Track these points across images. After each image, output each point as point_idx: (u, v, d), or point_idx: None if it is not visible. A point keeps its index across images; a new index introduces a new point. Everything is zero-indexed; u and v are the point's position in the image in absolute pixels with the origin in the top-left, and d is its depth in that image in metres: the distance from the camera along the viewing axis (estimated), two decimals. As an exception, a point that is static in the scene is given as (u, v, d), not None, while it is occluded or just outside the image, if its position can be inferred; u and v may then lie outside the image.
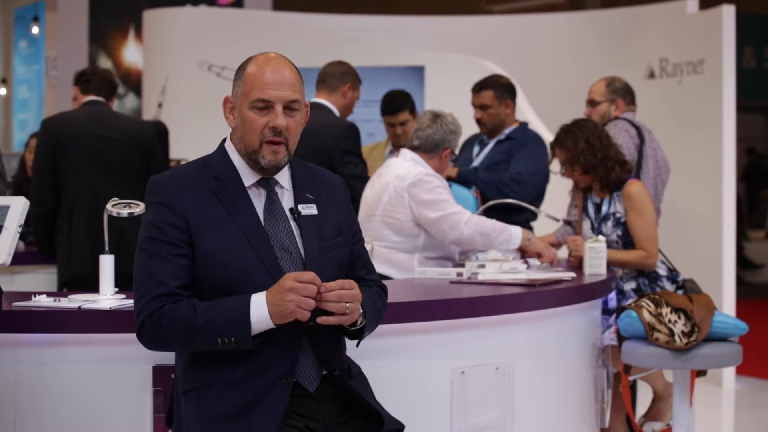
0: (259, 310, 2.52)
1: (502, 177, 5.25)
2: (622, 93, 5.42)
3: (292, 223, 2.71)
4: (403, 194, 4.42)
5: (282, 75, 2.67)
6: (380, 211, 4.47)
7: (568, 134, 4.66)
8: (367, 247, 2.99)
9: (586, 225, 4.70)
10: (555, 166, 4.91)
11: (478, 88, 5.59)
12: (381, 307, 2.81)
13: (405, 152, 4.59)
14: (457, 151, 4.66)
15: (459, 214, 4.36)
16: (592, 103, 5.44)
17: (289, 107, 2.67)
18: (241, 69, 2.72)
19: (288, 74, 2.68)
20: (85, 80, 5.24)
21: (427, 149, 4.55)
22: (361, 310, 2.65)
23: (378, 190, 4.52)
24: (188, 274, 2.61)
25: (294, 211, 2.71)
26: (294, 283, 2.50)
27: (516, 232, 4.43)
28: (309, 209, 2.74)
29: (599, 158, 4.58)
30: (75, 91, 5.28)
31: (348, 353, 2.82)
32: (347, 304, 2.57)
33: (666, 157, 5.43)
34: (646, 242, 4.55)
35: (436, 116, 4.59)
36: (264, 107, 2.66)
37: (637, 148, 5.17)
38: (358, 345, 2.76)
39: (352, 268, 2.81)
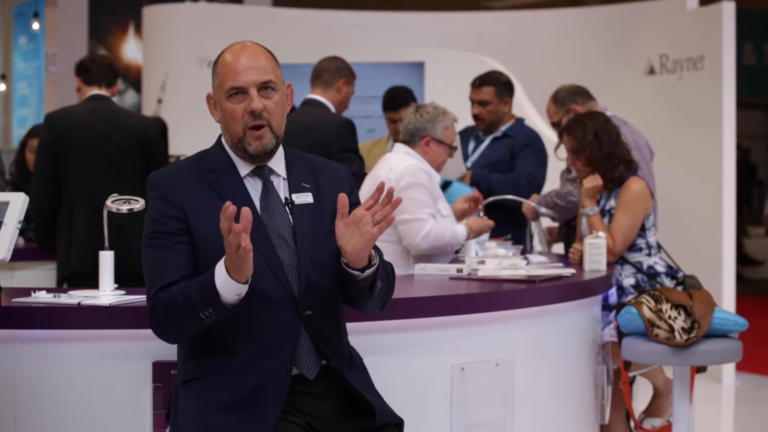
0: (220, 272, 2.48)
1: (518, 177, 5.29)
2: (573, 98, 5.36)
3: (288, 213, 2.71)
4: (392, 185, 4.43)
5: (250, 60, 2.68)
6: None
7: (579, 123, 4.65)
8: None
9: (585, 221, 4.69)
10: (561, 152, 4.90)
11: (479, 83, 5.59)
12: (390, 272, 2.76)
13: (399, 146, 4.61)
14: (441, 137, 4.58)
15: (422, 221, 4.35)
16: (554, 125, 5.40)
17: (263, 88, 2.67)
18: (215, 65, 2.74)
19: (257, 58, 2.69)
20: (85, 70, 5.23)
21: (407, 140, 4.58)
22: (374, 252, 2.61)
23: (371, 184, 4.55)
24: (192, 262, 2.63)
25: (288, 200, 2.72)
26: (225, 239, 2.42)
27: (461, 233, 4.45)
28: (304, 198, 2.74)
29: (604, 154, 4.57)
30: (78, 82, 5.26)
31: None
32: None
33: (647, 140, 5.40)
34: (618, 237, 4.51)
35: (418, 108, 4.62)
36: (238, 94, 2.67)
37: None
38: (375, 292, 2.66)
39: None
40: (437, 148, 4.56)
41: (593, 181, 4.60)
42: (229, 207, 2.36)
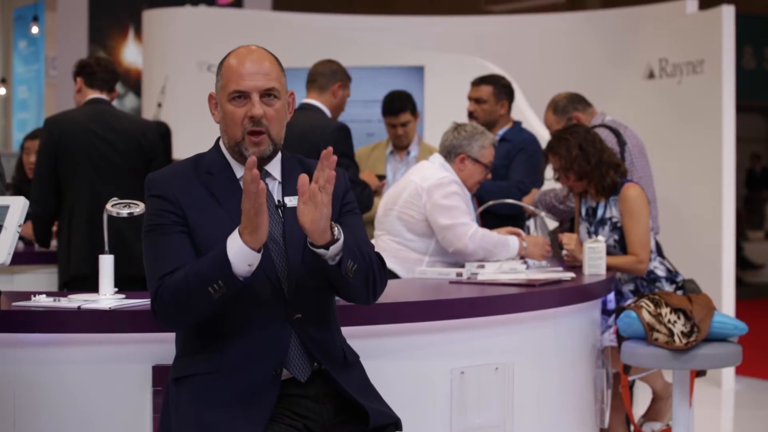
0: (234, 241, 2.51)
1: (509, 186, 5.27)
2: (573, 105, 5.36)
3: (281, 215, 2.72)
4: (422, 194, 4.45)
5: (256, 65, 2.68)
6: (398, 207, 4.51)
7: (561, 141, 4.63)
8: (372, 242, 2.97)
9: (583, 229, 4.69)
10: (549, 171, 4.91)
11: (479, 82, 5.64)
12: (371, 256, 2.70)
13: (436, 156, 4.63)
14: (477, 156, 4.58)
15: (466, 226, 4.38)
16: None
17: (266, 95, 2.68)
18: (220, 65, 2.75)
19: (262, 64, 2.70)
20: (89, 72, 5.19)
21: (443, 154, 4.60)
22: (337, 229, 2.57)
23: (400, 187, 4.58)
24: (191, 251, 2.63)
25: (280, 203, 2.72)
26: (243, 198, 2.47)
27: (513, 244, 4.45)
28: (297, 201, 2.74)
29: (593, 164, 4.57)
30: (79, 82, 5.23)
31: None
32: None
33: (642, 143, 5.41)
34: (638, 247, 4.53)
35: (457, 126, 4.64)
36: (240, 97, 2.68)
37: (618, 155, 5.12)
38: (342, 270, 2.60)
39: None
40: (472, 167, 4.57)
41: (571, 241, 4.56)
42: (251, 157, 2.44)
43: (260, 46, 2.76)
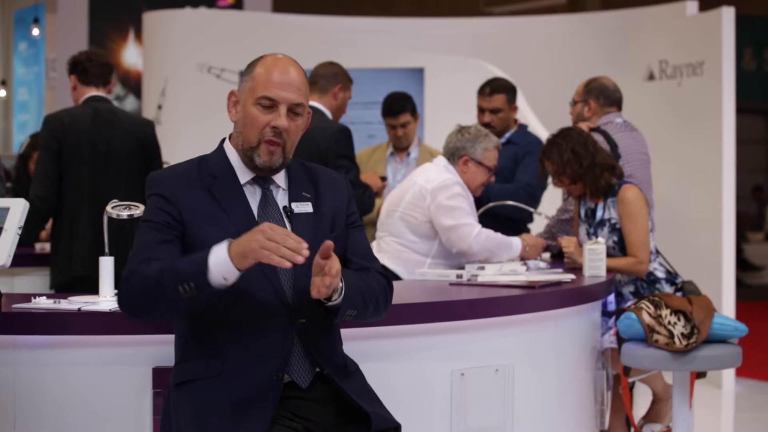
0: (220, 250, 2.48)
1: (517, 189, 5.25)
2: (596, 94, 5.32)
3: (286, 221, 2.71)
4: (426, 195, 4.46)
5: (290, 77, 2.69)
6: (401, 208, 4.52)
7: (553, 146, 4.65)
8: (373, 244, 2.98)
9: (582, 230, 4.69)
10: (546, 177, 4.92)
11: (490, 91, 5.53)
12: (374, 289, 2.74)
13: (440, 158, 4.63)
14: (480, 159, 4.60)
15: (470, 226, 4.39)
16: (573, 102, 5.42)
17: (293, 110, 2.69)
18: (251, 66, 2.74)
19: (296, 77, 2.71)
20: (82, 69, 5.14)
21: (447, 157, 4.61)
22: (341, 285, 2.61)
23: (404, 188, 4.58)
24: (176, 251, 2.62)
25: (287, 209, 2.72)
26: (265, 227, 2.46)
27: (516, 245, 4.49)
28: (303, 207, 2.74)
29: (585, 166, 4.57)
30: (73, 80, 5.17)
31: (348, 353, 2.82)
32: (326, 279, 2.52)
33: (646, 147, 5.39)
34: (637, 248, 4.53)
35: (461, 128, 4.66)
36: (269, 105, 2.67)
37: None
38: (337, 319, 2.67)
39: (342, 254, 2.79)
40: (475, 169, 4.58)
41: (570, 243, 4.58)
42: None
43: (292, 58, 2.75)
